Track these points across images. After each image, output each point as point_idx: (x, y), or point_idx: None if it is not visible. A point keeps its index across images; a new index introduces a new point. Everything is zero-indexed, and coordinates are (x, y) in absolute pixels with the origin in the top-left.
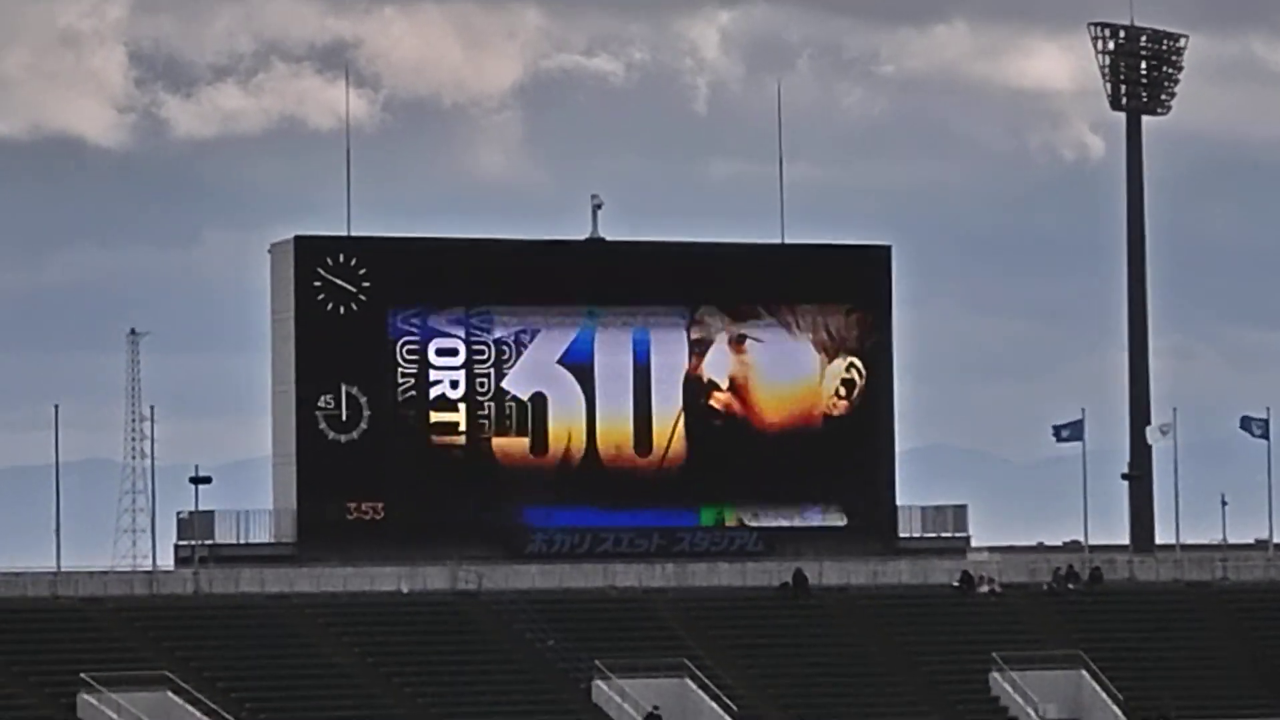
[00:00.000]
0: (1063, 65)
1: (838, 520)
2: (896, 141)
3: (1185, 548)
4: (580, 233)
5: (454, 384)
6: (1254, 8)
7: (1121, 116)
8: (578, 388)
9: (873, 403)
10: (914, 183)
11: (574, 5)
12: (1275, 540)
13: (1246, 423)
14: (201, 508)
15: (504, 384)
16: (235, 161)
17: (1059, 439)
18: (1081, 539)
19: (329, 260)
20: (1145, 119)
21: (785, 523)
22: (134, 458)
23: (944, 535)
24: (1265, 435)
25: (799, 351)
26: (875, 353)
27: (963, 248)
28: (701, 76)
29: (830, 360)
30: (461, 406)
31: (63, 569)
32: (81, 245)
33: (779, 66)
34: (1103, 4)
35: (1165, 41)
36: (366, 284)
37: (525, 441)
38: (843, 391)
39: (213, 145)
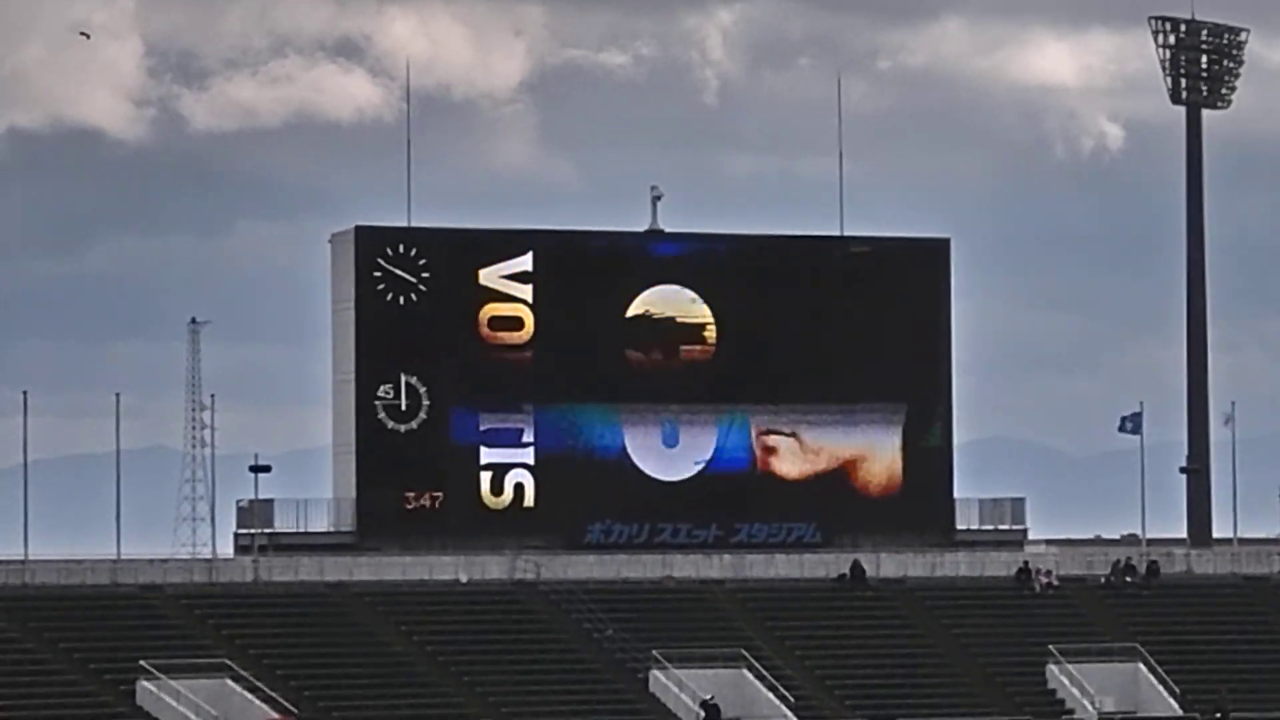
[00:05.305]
0: (1068, 61)
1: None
2: (918, 135)
3: (1243, 541)
4: (638, 224)
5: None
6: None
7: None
8: None
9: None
10: (950, 177)
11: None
12: None
13: None
14: (261, 496)
15: None
16: (258, 152)
17: (1123, 430)
18: (1139, 532)
19: (389, 250)
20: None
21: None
22: (194, 446)
23: (1001, 528)
24: None
25: None
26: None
27: (1010, 241)
28: (710, 70)
29: None
30: None
31: (123, 557)
32: (120, 235)
33: (782, 62)
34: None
35: (1226, 35)
36: (426, 274)
37: None
38: None
39: (233, 137)
